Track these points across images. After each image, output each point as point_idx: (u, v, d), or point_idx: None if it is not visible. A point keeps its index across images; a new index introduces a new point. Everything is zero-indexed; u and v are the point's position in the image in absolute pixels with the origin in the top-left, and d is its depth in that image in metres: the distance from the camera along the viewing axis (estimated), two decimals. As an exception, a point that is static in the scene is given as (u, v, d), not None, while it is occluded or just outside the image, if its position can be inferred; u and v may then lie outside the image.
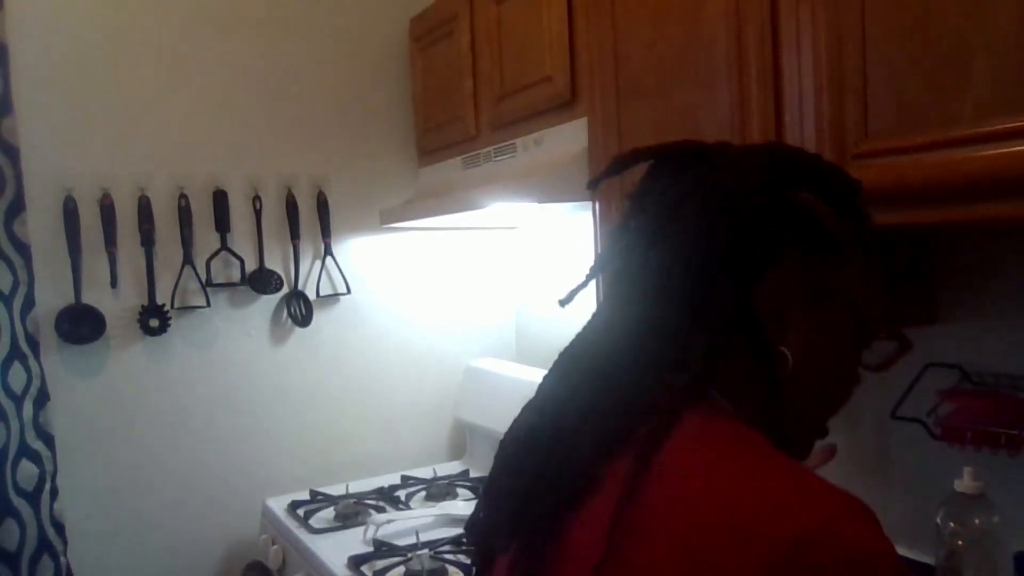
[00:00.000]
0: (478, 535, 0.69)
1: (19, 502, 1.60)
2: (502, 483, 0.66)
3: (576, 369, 0.65)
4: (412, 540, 1.57)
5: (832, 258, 0.63)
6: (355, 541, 1.61)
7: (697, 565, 0.49)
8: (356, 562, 1.49)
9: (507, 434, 0.68)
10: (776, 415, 0.62)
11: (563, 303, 0.72)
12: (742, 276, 0.61)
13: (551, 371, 0.68)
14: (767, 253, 0.61)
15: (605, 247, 0.69)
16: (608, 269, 0.67)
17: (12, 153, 1.62)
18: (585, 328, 0.68)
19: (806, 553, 0.47)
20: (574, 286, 0.70)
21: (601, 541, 0.53)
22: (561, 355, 0.68)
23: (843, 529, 0.49)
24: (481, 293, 2.27)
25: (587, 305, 0.74)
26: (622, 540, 0.53)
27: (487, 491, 0.69)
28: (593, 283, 0.70)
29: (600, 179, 0.69)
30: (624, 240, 0.67)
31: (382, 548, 1.55)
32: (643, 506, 0.53)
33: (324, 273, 2.04)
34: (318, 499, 1.86)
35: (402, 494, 1.90)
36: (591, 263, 0.69)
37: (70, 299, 1.73)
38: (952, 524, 1.06)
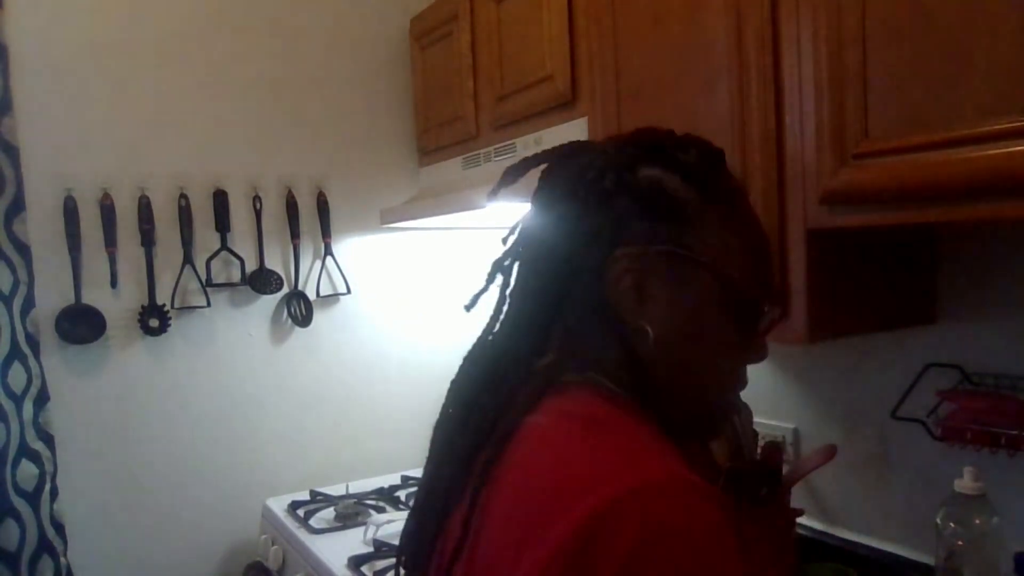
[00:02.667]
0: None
1: (19, 502, 1.60)
2: (421, 483, 0.72)
3: (473, 365, 0.69)
4: (412, 540, 1.57)
5: (684, 227, 0.62)
6: (355, 541, 1.61)
7: (514, 539, 0.52)
8: (356, 562, 1.49)
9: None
10: (649, 394, 0.62)
11: (468, 308, 0.75)
12: (595, 258, 0.61)
13: (458, 370, 0.71)
14: (616, 232, 0.61)
15: (500, 252, 0.71)
16: (505, 271, 0.69)
17: (12, 153, 1.62)
18: (484, 329, 0.70)
19: (599, 527, 0.47)
20: (476, 291, 0.73)
21: (461, 521, 0.58)
22: (465, 356, 0.71)
23: (645, 504, 0.48)
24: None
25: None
26: (474, 515, 0.58)
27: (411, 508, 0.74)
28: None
29: (497, 189, 0.70)
30: (515, 242, 0.69)
31: (382, 548, 1.55)
32: (496, 482, 0.58)
33: (324, 273, 2.04)
34: (318, 499, 1.87)
35: (402, 494, 1.90)
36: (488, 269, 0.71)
37: (70, 299, 1.73)
38: (952, 524, 1.06)
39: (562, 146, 0.70)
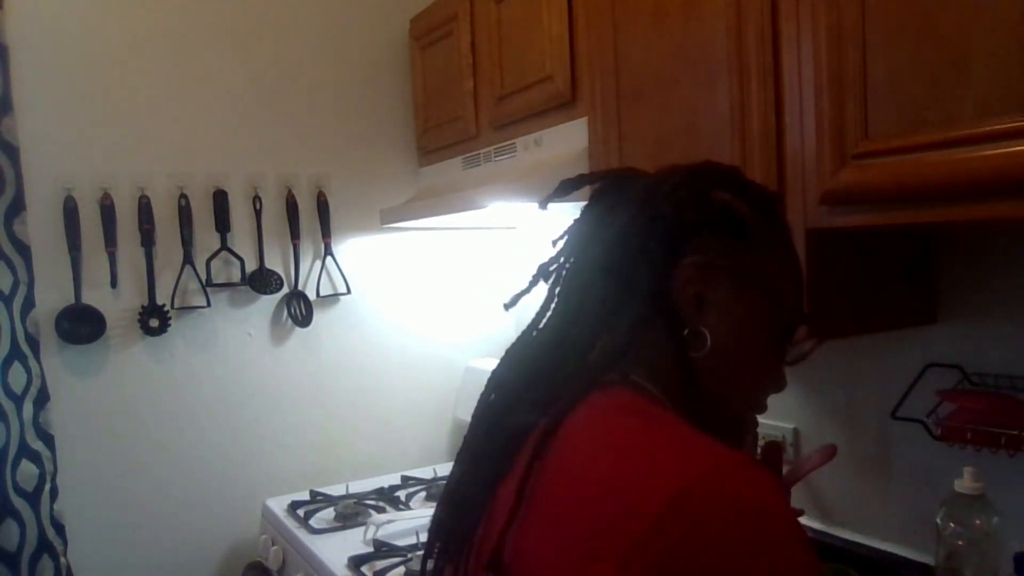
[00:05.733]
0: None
1: (19, 502, 1.60)
2: (455, 471, 0.73)
3: (518, 361, 0.71)
4: (412, 540, 1.57)
5: (748, 246, 0.68)
6: (355, 541, 1.61)
7: (586, 522, 0.52)
8: (356, 562, 1.49)
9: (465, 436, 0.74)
10: (692, 395, 0.66)
11: (507, 307, 0.78)
12: (658, 264, 0.66)
13: (499, 364, 0.73)
14: (685, 241, 0.66)
15: (547, 256, 0.75)
16: (549, 274, 0.73)
17: (12, 153, 1.62)
18: (529, 325, 0.73)
19: (687, 505, 0.49)
20: (518, 291, 0.76)
21: (511, 498, 0.59)
22: (507, 351, 0.73)
23: (723, 483, 0.50)
24: (481, 293, 2.27)
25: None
26: (526, 499, 0.58)
27: (442, 494, 0.75)
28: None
29: (550, 199, 0.75)
30: (565, 246, 0.73)
31: (382, 548, 1.55)
32: (547, 468, 0.59)
33: (324, 273, 2.04)
34: (318, 499, 1.86)
35: (402, 494, 1.90)
36: (534, 270, 0.75)
37: (70, 299, 1.73)
38: (952, 524, 1.06)
39: (618, 168, 0.77)
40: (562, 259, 0.73)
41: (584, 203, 0.75)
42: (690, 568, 0.47)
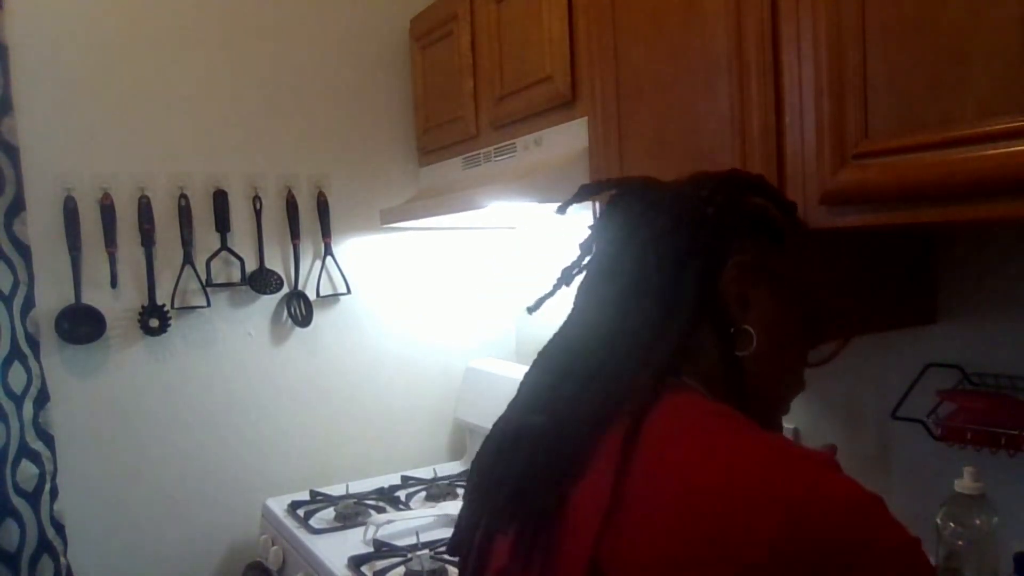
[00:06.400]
0: (463, 530, 0.71)
1: (19, 502, 1.60)
2: (497, 473, 0.68)
3: (557, 365, 0.70)
4: (412, 540, 1.57)
5: (784, 248, 0.72)
6: (355, 541, 1.61)
7: (702, 529, 0.52)
8: (356, 562, 1.49)
9: (493, 431, 0.72)
10: (738, 392, 0.67)
11: (531, 310, 0.79)
12: (706, 265, 0.67)
13: (531, 370, 0.72)
14: (728, 244, 0.68)
15: (572, 259, 0.76)
16: (576, 277, 0.74)
17: (12, 153, 1.62)
18: (562, 328, 0.73)
19: (804, 508, 0.51)
20: (542, 295, 0.77)
21: (605, 500, 0.57)
22: (540, 354, 0.73)
23: (831, 486, 0.54)
24: (481, 293, 2.27)
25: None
26: (621, 502, 0.56)
27: (477, 486, 0.71)
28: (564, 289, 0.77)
29: (568, 204, 0.77)
30: (593, 250, 0.74)
31: (382, 548, 1.55)
32: (636, 472, 0.57)
33: (324, 273, 2.04)
34: (318, 499, 1.86)
35: (402, 494, 1.90)
36: (558, 274, 0.76)
37: (70, 299, 1.73)
38: (952, 524, 1.06)
39: (636, 176, 0.78)
40: (585, 263, 0.74)
41: (584, 204, 0.75)
42: (818, 566, 0.50)
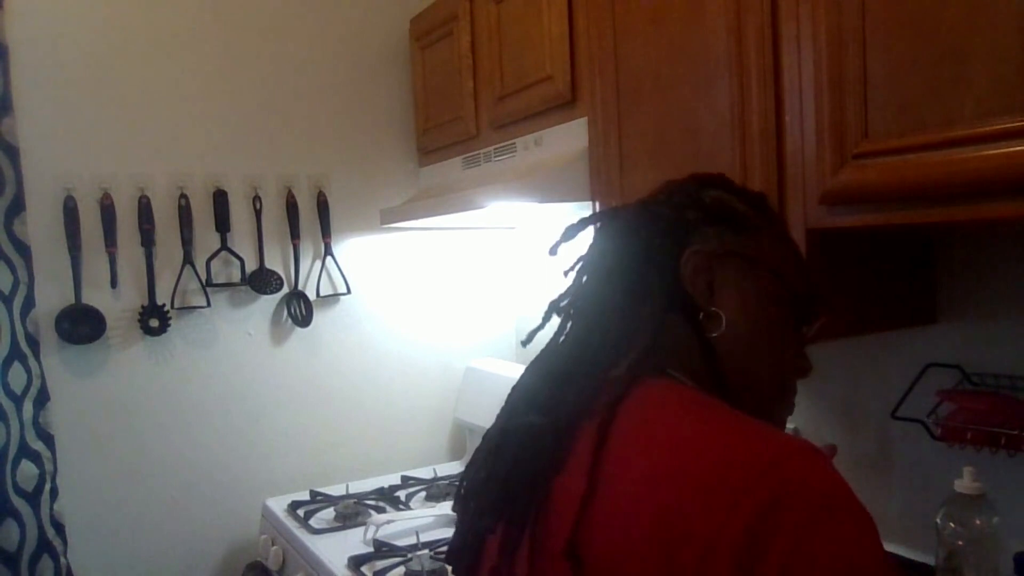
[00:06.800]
0: (457, 537, 0.73)
1: (19, 502, 1.60)
2: (483, 477, 0.71)
3: (539, 369, 0.74)
4: (412, 540, 1.57)
5: (745, 234, 0.73)
6: (355, 541, 1.61)
7: (667, 510, 0.54)
8: (356, 562, 1.49)
9: (482, 442, 0.75)
10: (717, 380, 0.70)
11: (524, 344, 0.83)
12: (669, 258, 0.71)
13: (519, 379, 0.75)
14: (687, 237, 0.72)
15: (560, 289, 0.79)
16: (561, 309, 0.77)
17: (12, 153, 1.62)
18: (550, 341, 0.76)
19: (768, 491, 0.51)
20: (533, 328, 0.81)
21: (582, 486, 0.60)
22: (530, 364, 0.76)
23: (802, 462, 0.54)
24: (481, 293, 2.27)
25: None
26: (596, 488, 0.59)
27: (468, 493, 0.74)
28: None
29: (558, 244, 0.80)
30: (576, 278, 0.77)
31: (382, 548, 1.55)
32: (610, 458, 0.60)
33: (324, 273, 2.04)
34: (318, 499, 1.86)
35: (402, 494, 1.90)
36: (547, 305, 0.79)
37: (70, 299, 1.73)
38: (952, 524, 1.06)
39: (620, 206, 0.83)
40: (573, 292, 0.77)
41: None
42: (776, 548, 0.49)
